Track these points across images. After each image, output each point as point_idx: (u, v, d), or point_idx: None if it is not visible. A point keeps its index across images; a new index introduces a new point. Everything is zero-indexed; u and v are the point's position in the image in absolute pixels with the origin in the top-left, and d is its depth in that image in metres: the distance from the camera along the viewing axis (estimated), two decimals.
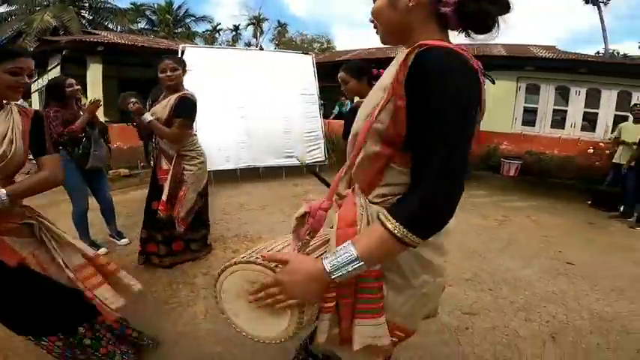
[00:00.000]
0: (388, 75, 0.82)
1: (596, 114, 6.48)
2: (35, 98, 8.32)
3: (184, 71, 2.46)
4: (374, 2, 0.88)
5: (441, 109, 0.69)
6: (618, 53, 18.24)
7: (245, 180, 5.48)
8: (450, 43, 0.81)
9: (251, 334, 0.88)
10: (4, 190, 1.13)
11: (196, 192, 2.56)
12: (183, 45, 5.72)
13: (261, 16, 21.75)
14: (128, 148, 6.25)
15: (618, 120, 5.91)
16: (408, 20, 0.81)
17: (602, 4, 9.81)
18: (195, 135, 2.73)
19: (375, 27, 0.92)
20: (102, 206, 3.03)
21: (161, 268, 2.59)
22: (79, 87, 2.80)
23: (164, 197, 2.45)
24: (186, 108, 2.43)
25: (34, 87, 8.01)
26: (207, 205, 2.81)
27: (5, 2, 13.35)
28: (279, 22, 22.57)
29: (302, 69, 6.25)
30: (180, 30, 19.01)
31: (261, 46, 9.17)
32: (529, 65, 6.46)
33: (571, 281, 2.68)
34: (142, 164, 6.04)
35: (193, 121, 2.51)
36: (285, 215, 4.08)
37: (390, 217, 0.70)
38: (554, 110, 6.61)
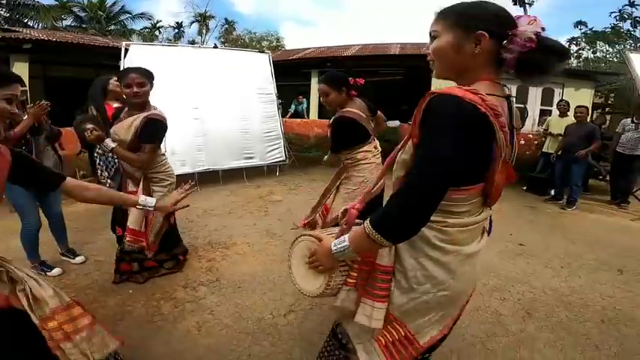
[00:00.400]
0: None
1: (525, 109, 7.30)
2: None
3: (152, 85, 2.21)
4: (431, 41, 0.97)
5: (426, 143, 0.85)
6: None
7: (205, 184, 5.24)
8: (490, 82, 0.92)
9: (299, 285, 1.20)
10: None
11: (164, 214, 2.35)
12: (126, 43, 5.26)
13: (208, 14, 20.70)
14: (70, 156, 5.62)
15: (544, 113, 6.70)
16: (470, 63, 0.92)
17: (527, 5, 11.02)
18: (164, 155, 2.49)
19: (430, 61, 1.01)
20: (51, 222, 2.73)
21: (135, 284, 2.39)
22: (25, 88, 2.47)
23: (133, 226, 2.25)
24: (156, 131, 2.21)
25: None
26: (176, 223, 2.64)
27: None
28: (226, 19, 21.68)
29: (258, 68, 6.11)
30: (112, 28, 17.35)
31: (215, 44, 8.75)
32: None
33: (527, 261, 3.00)
34: (81, 172, 5.45)
35: (162, 142, 2.31)
36: (255, 218, 3.98)
37: (367, 221, 0.89)
38: None
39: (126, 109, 2.27)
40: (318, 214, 2.48)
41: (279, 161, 6.17)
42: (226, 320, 2.03)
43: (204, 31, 20.17)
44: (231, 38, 20.37)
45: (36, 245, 2.58)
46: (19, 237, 2.53)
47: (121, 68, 5.00)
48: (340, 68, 8.42)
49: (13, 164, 1.12)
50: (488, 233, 1.13)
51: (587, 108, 5.19)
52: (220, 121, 5.53)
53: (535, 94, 7.18)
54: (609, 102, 8.76)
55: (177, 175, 2.53)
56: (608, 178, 5.81)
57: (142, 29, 18.25)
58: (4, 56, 5.58)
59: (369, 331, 1.14)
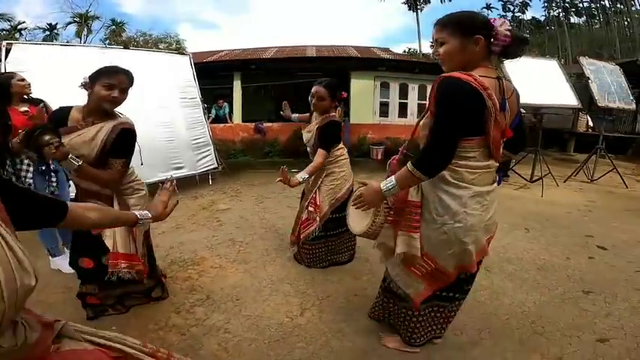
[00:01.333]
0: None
1: (425, 105, 8.57)
2: None
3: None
4: (438, 46, 1.34)
5: (439, 111, 1.26)
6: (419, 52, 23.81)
7: None
8: (486, 68, 1.31)
9: (351, 228, 1.71)
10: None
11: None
12: (7, 42, 4.28)
13: (90, 13, 17.62)
14: None
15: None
16: (471, 57, 1.30)
17: (419, 10, 12.83)
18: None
19: (440, 59, 1.37)
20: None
21: (115, 317, 2.09)
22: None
23: (124, 250, 1.93)
24: (129, 144, 1.91)
25: None
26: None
27: None
28: (113, 20, 18.78)
29: (178, 70, 5.65)
30: None
31: (125, 44, 7.58)
32: (381, 66, 7.85)
33: None
34: None
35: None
36: (210, 229, 3.77)
37: (410, 163, 1.30)
38: (399, 103, 8.29)
39: (86, 116, 1.86)
40: (312, 212, 2.58)
41: (212, 169, 5.86)
42: (247, 334, 1.96)
43: (84, 32, 17.22)
44: (121, 41, 17.91)
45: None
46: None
47: (2, 69, 4.07)
48: (261, 71, 8.40)
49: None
50: (499, 183, 1.51)
51: None
52: (140, 130, 4.93)
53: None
54: None
55: None
56: None
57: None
58: None
59: (405, 268, 1.56)
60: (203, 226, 3.89)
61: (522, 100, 5.03)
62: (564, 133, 10.30)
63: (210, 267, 2.87)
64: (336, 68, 8.01)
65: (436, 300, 1.61)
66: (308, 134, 2.63)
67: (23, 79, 2.44)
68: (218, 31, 45.85)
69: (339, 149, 2.63)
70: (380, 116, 8.29)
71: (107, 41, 18.30)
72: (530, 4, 39.15)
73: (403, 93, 8.35)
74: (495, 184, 1.47)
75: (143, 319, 2.12)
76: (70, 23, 17.60)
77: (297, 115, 2.99)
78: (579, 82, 6.73)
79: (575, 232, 3.68)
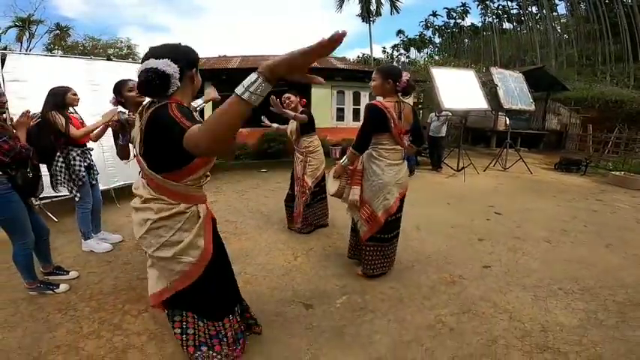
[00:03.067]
0: None
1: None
2: None
3: None
4: (373, 81, 2.52)
5: (363, 122, 2.49)
6: (374, 58, 25.24)
7: (125, 199, 5.22)
8: (393, 96, 2.48)
9: (328, 190, 2.84)
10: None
11: None
12: (2, 52, 4.71)
13: (32, 18, 16.62)
14: None
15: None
16: (386, 90, 2.46)
17: (372, 22, 14.26)
18: None
19: (372, 88, 2.53)
20: (39, 241, 2.56)
21: None
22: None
23: None
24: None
25: None
26: None
27: None
28: (58, 25, 17.85)
29: None
30: None
31: (109, 56, 7.77)
32: (338, 76, 9.01)
33: None
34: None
35: None
36: None
37: (350, 147, 2.56)
38: (353, 109, 9.54)
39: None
40: (303, 188, 3.63)
41: None
42: (261, 274, 2.89)
43: (27, 36, 16.26)
44: (67, 46, 17.16)
45: (32, 264, 2.50)
46: (12, 260, 2.42)
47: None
48: (231, 80, 9.10)
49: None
50: (405, 159, 2.65)
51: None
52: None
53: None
54: (420, 100, 12.55)
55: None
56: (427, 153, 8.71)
57: None
58: None
59: (357, 212, 2.64)
60: None
61: (450, 106, 6.51)
62: (487, 131, 12.28)
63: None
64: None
65: (375, 240, 2.66)
66: (289, 127, 3.73)
67: (75, 94, 3.07)
68: (168, 34, 44.60)
69: (316, 142, 3.72)
70: (337, 120, 9.49)
71: (51, 46, 17.51)
72: (470, 11, 42.17)
73: (356, 99, 9.62)
74: (403, 160, 2.61)
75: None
76: (10, 27, 16.60)
77: (276, 125, 3.92)
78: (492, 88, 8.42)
79: (482, 204, 5.08)
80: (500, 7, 40.62)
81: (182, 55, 1.32)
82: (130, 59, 7.66)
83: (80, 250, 3.35)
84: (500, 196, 5.61)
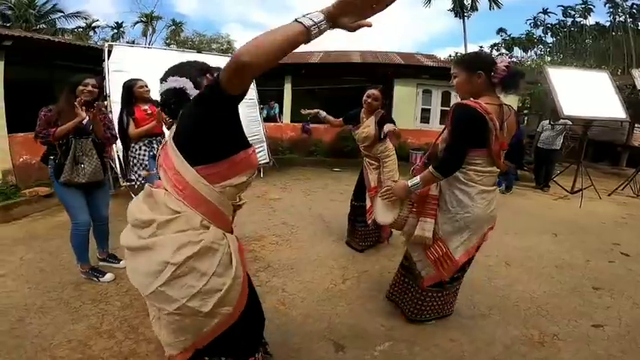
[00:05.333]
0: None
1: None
2: None
3: None
4: (454, 78, 1.80)
5: (454, 130, 1.70)
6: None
7: None
8: (489, 97, 1.72)
9: (379, 220, 2.09)
10: None
11: None
12: (109, 43, 5.23)
13: (154, 14, 19.58)
14: (37, 163, 5.33)
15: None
16: (476, 87, 1.73)
17: (466, 17, 12.88)
18: None
19: (456, 90, 1.83)
20: (96, 226, 2.70)
21: None
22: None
23: None
24: None
25: None
26: None
27: None
28: (174, 20, 20.72)
29: None
30: (40, 27, 15.65)
31: (199, 49, 8.66)
32: (424, 74, 8.17)
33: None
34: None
35: None
36: (265, 214, 4.40)
37: (431, 167, 1.74)
38: (441, 110, 8.54)
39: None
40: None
41: (264, 163, 6.57)
42: (300, 294, 2.52)
43: (150, 31, 19.08)
44: (180, 40, 19.58)
45: (86, 248, 2.58)
46: (69, 239, 2.54)
47: (105, 69, 4.95)
48: (310, 74, 9.03)
49: None
50: (499, 185, 2.00)
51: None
52: None
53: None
54: (526, 105, 10.71)
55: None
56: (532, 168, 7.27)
57: (75, 28, 16.74)
58: None
59: (423, 251, 1.95)
60: (259, 211, 4.55)
61: (571, 113, 5.19)
62: (617, 146, 9.88)
63: (269, 243, 3.49)
64: (379, 74, 8.43)
65: (438, 286, 2.02)
66: (364, 131, 3.06)
67: (142, 86, 3.10)
68: (261, 30, 47.87)
69: (390, 145, 3.12)
70: (421, 122, 8.59)
71: (168, 40, 20.01)
72: (594, 9, 36.24)
73: (446, 100, 8.56)
74: (496, 186, 1.90)
75: None
76: (137, 22, 19.52)
77: (324, 113, 3.39)
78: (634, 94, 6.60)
79: (603, 239, 3.86)
80: (635, 5, 33.35)
81: (186, 69, 1.27)
82: (229, 54, 8.06)
83: None
84: (629, 232, 4.24)
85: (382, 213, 2.07)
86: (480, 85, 1.71)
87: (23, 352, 1.79)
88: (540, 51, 18.02)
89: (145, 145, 3.14)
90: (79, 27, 16.68)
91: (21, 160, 5.28)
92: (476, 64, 1.72)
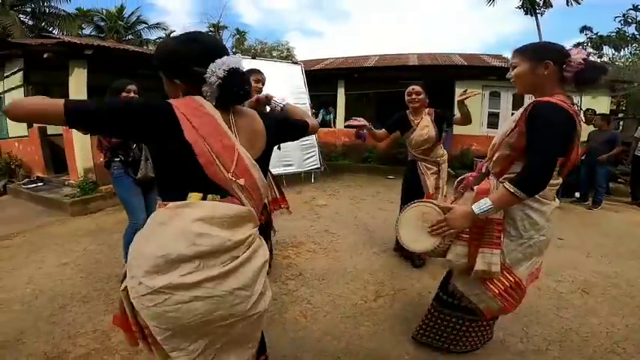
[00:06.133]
0: (517, 114, 1.41)
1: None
2: None
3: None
4: (513, 69, 1.44)
5: (539, 137, 1.28)
6: None
7: None
8: (562, 95, 1.35)
9: (406, 244, 1.57)
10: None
11: None
12: None
13: (221, 24, 21.34)
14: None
15: None
16: (541, 81, 1.37)
17: (539, 15, 11.56)
18: None
19: (512, 81, 1.46)
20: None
21: None
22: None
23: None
24: None
25: None
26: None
27: None
28: (237, 30, 22.30)
29: (292, 78, 6.51)
30: (129, 37, 17.98)
31: (254, 54, 9.22)
32: (491, 75, 7.44)
33: (569, 252, 3.31)
34: None
35: None
36: (309, 220, 4.32)
37: (508, 183, 1.29)
38: (512, 114, 7.66)
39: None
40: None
41: (315, 168, 6.54)
42: (325, 308, 2.34)
43: None
44: (243, 48, 20.91)
45: None
46: (122, 236, 2.59)
47: None
48: (364, 78, 8.85)
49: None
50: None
51: (604, 115, 5.57)
52: None
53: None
54: (622, 108, 9.12)
55: None
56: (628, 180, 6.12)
57: (156, 39, 18.82)
58: (64, 62, 5.75)
59: (481, 284, 1.53)
60: (303, 217, 4.48)
61: None
62: None
63: (306, 250, 3.38)
64: (439, 76, 7.88)
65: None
66: (423, 133, 2.81)
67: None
68: (321, 39, 48.94)
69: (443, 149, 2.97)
70: (488, 127, 7.79)
71: (233, 49, 21.47)
72: None
73: (517, 104, 7.65)
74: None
75: None
76: (207, 32, 21.05)
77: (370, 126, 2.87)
78: None
79: None
80: None
81: None
82: (289, 61, 8.32)
83: None
84: None
85: (414, 237, 1.57)
86: (545, 77, 1.35)
87: (51, 339, 1.92)
88: (635, 49, 15.24)
89: None
90: (160, 37, 18.65)
91: (101, 159, 5.94)
92: (544, 52, 1.37)
